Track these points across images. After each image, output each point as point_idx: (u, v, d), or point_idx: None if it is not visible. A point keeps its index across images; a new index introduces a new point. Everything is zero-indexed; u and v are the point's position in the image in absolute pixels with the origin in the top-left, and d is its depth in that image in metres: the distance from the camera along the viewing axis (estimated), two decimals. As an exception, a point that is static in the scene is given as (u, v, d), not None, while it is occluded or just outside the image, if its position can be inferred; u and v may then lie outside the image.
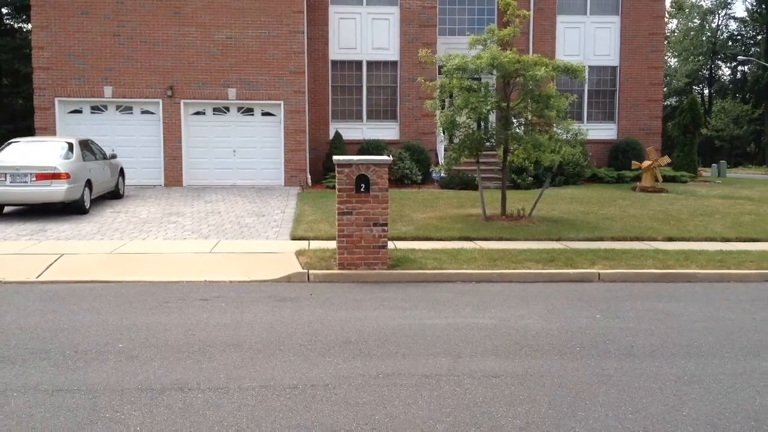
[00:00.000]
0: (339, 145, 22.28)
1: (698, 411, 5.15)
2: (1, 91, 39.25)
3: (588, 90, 24.92)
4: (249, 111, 21.48)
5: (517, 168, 19.56)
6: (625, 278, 10.20)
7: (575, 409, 5.13)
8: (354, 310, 8.20)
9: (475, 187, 19.18)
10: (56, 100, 20.75)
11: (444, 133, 15.29)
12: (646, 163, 21.39)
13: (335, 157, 10.33)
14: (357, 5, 23.70)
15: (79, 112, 21.07)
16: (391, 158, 10.87)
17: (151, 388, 5.47)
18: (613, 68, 25.30)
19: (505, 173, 15.56)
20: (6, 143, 15.94)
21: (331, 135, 23.16)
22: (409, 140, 23.08)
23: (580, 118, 23.96)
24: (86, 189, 15.17)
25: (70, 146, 15.35)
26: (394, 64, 23.86)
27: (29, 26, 31.67)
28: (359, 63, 23.94)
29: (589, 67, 24.10)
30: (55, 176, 14.25)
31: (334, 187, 10.30)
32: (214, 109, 21.40)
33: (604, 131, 24.98)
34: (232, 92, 21.01)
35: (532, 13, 23.57)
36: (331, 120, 23.84)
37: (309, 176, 21.65)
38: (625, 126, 25.21)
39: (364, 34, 23.82)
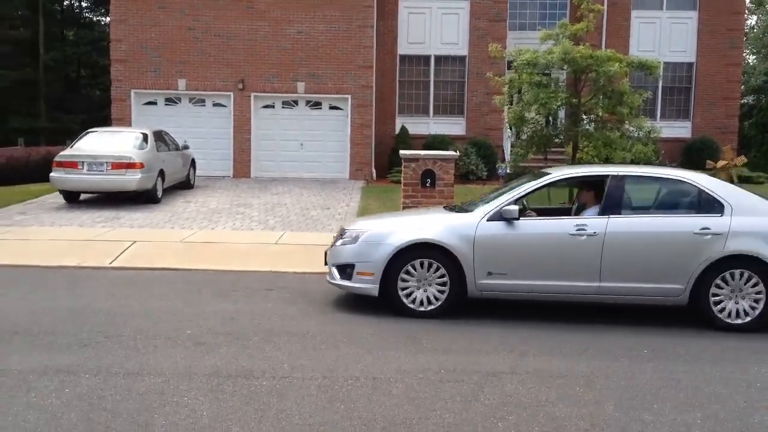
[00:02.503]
0: (405, 139, 22.27)
1: (772, 420, 4.98)
2: (80, 82, 40.65)
3: (662, 87, 24.24)
4: (317, 105, 21.67)
5: (586, 166, 19.20)
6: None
7: (641, 412, 5.01)
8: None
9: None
10: (132, 91, 21.32)
11: (511, 129, 15.13)
12: (721, 163, 20.72)
13: (402, 152, 10.36)
14: (427, 0, 23.62)
15: (153, 103, 21.61)
16: (457, 154, 10.83)
17: (218, 374, 5.59)
18: (689, 65, 24.55)
19: (574, 171, 15.28)
20: (83, 133, 16.47)
21: (397, 129, 23.15)
22: (475, 136, 22.89)
23: (653, 116, 23.31)
24: (159, 179, 15.54)
25: (145, 137, 15.75)
26: (462, 59, 23.68)
27: (107, 19, 32.71)
28: (427, 58, 23.85)
29: (663, 63, 23.44)
30: (130, 166, 14.65)
31: (398, 182, 10.33)
32: (283, 103, 21.66)
33: (677, 129, 24.26)
34: (301, 86, 21.23)
35: (605, 7, 23.04)
36: (398, 114, 23.82)
37: (374, 170, 21.72)
38: (700, 124, 24.46)
39: (433, 29, 23.70)
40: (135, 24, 21.13)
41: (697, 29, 24.34)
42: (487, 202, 7.82)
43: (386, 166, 22.08)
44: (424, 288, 7.52)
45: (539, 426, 4.74)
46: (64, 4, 40.45)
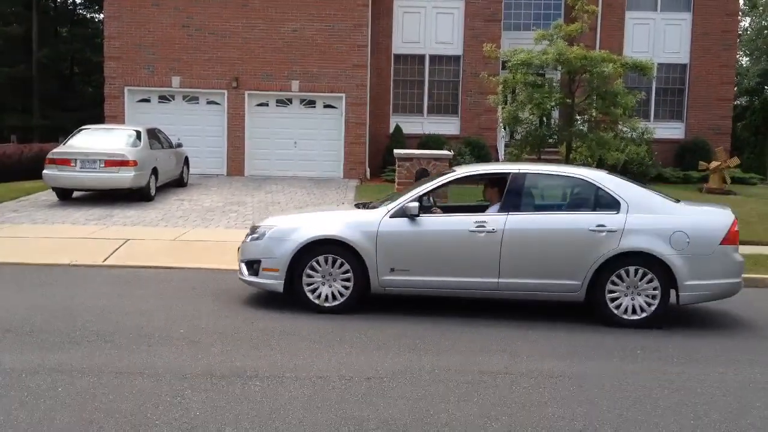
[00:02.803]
0: (399, 138, 22.24)
1: (764, 419, 5.00)
2: (73, 80, 40.50)
3: (656, 88, 24.25)
4: (311, 103, 21.65)
5: (580, 166, 19.27)
6: (689, 282, 9.92)
7: (635, 413, 5.03)
8: (410, 305, 8.18)
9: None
10: (126, 89, 21.26)
11: (506, 128, 15.15)
12: (714, 164, 20.76)
13: (396, 151, 10.38)
14: (422, -1, 23.64)
15: (147, 101, 21.56)
16: (451, 153, 10.86)
17: (212, 373, 5.57)
18: (683, 66, 24.61)
19: (568, 171, 15.32)
20: (77, 130, 16.41)
21: (392, 129, 23.13)
22: (469, 135, 22.88)
23: (646, 117, 23.34)
24: (152, 177, 15.51)
25: (138, 134, 15.71)
26: (456, 58, 23.69)
27: (101, 16, 32.60)
28: (422, 57, 23.83)
29: (657, 64, 23.47)
30: (123, 163, 14.61)
31: (392, 181, 10.34)
32: (277, 101, 21.63)
33: (671, 130, 24.31)
34: (295, 84, 21.20)
35: (600, 8, 23.08)
36: (392, 114, 23.80)
37: (368, 169, 21.71)
38: (693, 125, 24.52)
39: (427, 29, 23.70)
40: (129, 21, 21.07)
41: (691, 31, 24.39)
42: (394, 200, 7.91)
43: (380, 165, 22.08)
44: (329, 283, 7.60)
45: (532, 426, 4.75)
46: (58, 0, 40.28)
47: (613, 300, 7.37)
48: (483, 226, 7.43)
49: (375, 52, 22.80)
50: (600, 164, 15.51)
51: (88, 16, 41.29)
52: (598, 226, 7.33)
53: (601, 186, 7.60)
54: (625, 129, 14.35)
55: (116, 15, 21.14)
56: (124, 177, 14.61)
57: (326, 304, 7.58)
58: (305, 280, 7.58)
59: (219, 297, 8.20)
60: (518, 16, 24.23)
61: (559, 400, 5.24)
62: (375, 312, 7.67)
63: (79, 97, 38.45)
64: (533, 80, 14.07)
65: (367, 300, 7.77)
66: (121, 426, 4.57)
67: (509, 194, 7.63)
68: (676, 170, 23.20)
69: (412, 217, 7.50)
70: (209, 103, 21.57)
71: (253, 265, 7.82)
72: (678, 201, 7.94)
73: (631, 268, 7.32)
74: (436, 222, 7.67)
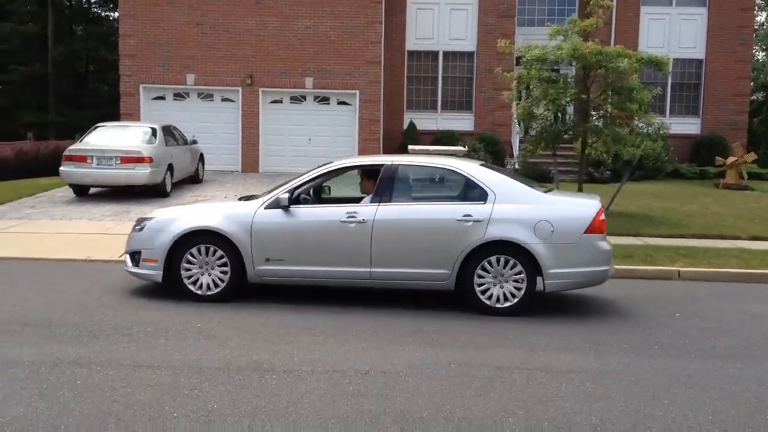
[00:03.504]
0: (413, 135, 22.25)
1: None
2: (88, 78, 40.74)
3: (671, 83, 24.12)
4: (325, 100, 21.67)
5: (595, 161, 19.16)
6: (705, 277, 9.87)
7: (652, 408, 5.00)
8: (426, 299, 8.19)
9: (549, 180, 18.86)
10: (141, 86, 21.36)
11: (520, 124, 15.07)
12: (730, 160, 20.61)
13: (410, 147, 10.39)
14: (435, -5, 23.61)
15: (162, 98, 21.65)
16: (465, 149, 10.83)
17: (228, 367, 5.60)
18: (699, 61, 24.45)
19: (583, 166, 15.26)
20: (92, 127, 16.49)
21: (405, 125, 23.15)
22: (483, 131, 22.85)
23: (662, 112, 23.20)
24: (168, 173, 15.58)
25: (154, 132, 15.78)
26: (470, 54, 23.65)
27: (115, 14, 32.77)
28: (435, 53, 23.82)
29: (673, 59, 23.32)
30: (139, 160, 14.68)
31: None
32: (291, 98, 21.67)
33: (686, 125, 24.17)
34: (309, 81, 21.23)
35: (615, 3, 22.90)
36: (406, 110, 23.81)
37: (382, 166, 21.70)
38: (709, 121, 24.36)
39: (441, 25, 23.68)
40: (143, 19, 21.17)
41: (706, 26, 24.24)
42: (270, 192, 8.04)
43: (394, 162, 22.03)
44: (207, 273, 7.74)
45: (549, 421, 4.74)
46: (73, -1, 40.53)
47: (481, 288, 7.45)
48: (354, 217, 7.54)
49: (388, 48, 22.80)
50: (615, 159, 15.44)
51: (103, 14, 41.53)
52: (465, 216, 7.41)
53: (470, 177, 7.71)
54: (640, 124, 14.24)
55: (131, 13, 21.24)
56: (140, 173, 14.69)
57: (208, 293, 7.74)
58: (184, 271, 7.73)
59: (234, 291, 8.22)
60: (532, 11, 24.17)
61: (576, 395, 5.22)
62: (390, 307, 7.68)
63: (94, 95, 38.68)
64: (548, 76, 13.97)
65: (246, 289, 7.91)
66: (139, 418, 4.60)
67: (381, 185, 7.75)
68: (692, 166, 23.06)
69: (286, 208, 7.65)
70: (224, 100, 21.65)
71: (135, 256, 8.00)
72: (548, 191, 8.06)
73: (498, 257, 7.42)
74: (308, 213, 7.78)
